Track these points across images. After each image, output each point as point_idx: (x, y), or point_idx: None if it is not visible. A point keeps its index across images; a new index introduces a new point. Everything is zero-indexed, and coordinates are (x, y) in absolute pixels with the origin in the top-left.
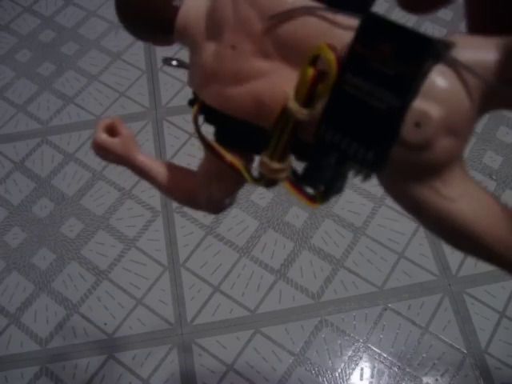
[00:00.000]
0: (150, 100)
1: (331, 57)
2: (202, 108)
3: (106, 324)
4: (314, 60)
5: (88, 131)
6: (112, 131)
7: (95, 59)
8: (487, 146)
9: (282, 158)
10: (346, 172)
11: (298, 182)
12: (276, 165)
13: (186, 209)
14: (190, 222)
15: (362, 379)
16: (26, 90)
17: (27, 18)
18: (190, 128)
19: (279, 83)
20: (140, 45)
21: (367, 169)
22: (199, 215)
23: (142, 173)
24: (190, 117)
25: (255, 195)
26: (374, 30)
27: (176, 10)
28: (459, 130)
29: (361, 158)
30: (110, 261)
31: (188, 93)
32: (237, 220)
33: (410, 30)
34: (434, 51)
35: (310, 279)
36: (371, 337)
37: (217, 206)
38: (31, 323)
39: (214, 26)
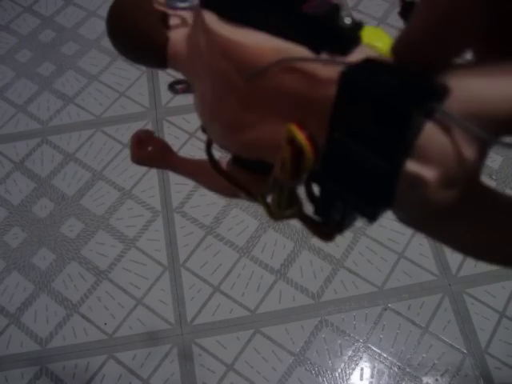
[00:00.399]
0: (150, 100)
1: (303, 140)
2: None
3: (105, 324)
4: (290, 140)
5: (88, 131)
6: (144, 143)
7: (95, 59)
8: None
9: (288, 207)
10: (349, 215)
11: (310, 217)
12: (286, 212)
13: (185, 209)
14: (190, 222)
15: (361, 379)
16: (25, 90)
17: (27, 18)
18: (190, 128)
19: (268, 135)
20: None
21: (367, 219)
22: (199, 215)
23: (182, 174)
24: (190, 117)
25: None
26: (354, 86)
27: (164, 43)
28: (460, 181)
29: (361, 210)
30: (110, 261)
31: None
32: (237, 220)
33: (395, 84)
34: (423, 107)
35: (309, 279)
36: (371, 337)
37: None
38: (31, 323)
39: (200, 70)
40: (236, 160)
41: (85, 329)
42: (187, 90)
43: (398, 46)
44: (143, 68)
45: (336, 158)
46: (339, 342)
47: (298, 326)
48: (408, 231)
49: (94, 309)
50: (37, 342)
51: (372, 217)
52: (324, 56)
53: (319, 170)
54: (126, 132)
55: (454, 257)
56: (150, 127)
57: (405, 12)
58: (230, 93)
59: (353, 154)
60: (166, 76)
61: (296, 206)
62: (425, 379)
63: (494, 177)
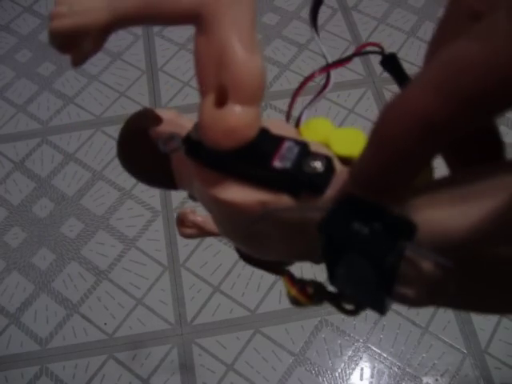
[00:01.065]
0: (150, 100)
1: (296, 295)
2: None
3: (106, 324)
4: (291, 281)
5: (88, 131)
6: (184, 223)
7: (95, 59)
8: None
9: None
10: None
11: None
12: (299, 296)
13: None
14: None
15: (361, 379)
16: (25, 90)
17: (27, 18)
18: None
19: (277, 254)
20: (140, 45)
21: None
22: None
23: None
24: (190, 117)
25: None
26: (332, 240)
27: (170, 170)
28: (437, 291)
29: (365, 305)
30: (110, 261)
31: (188, 93)
32: None
33: (365, 234)
34: (396, 250)
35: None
36: (371, 337)
37: None
38: (31, 323)
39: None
40: None
41: (85, 329)
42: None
43: (356, 182)
44: (143, 68)
45: (338, 273)
46: (339, 341)
47: (297, 325)
48: None
49: (93, 309)
50: (37, 342)
51: (381, 312)
52: (303, 202)
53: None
54: None
55: None
56: None
57: (385, 63)
58: (231, 231)
59: (351, 274)
60: (166, 76)
61: (321, 295)
62: (425, 379)
63: None
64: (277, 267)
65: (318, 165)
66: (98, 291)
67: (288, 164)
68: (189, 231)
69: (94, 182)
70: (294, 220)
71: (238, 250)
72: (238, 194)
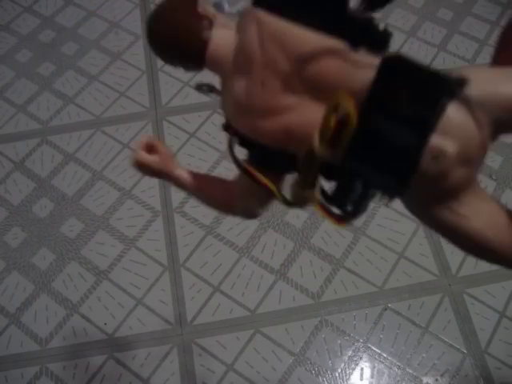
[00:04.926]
0: (150, 100)
1: (351, 106)
2: (236, 134)
3: (105, 324)
4: (336, 107)
5: (88, 131)
6: (151, 150)
7: (95, 59)
8: None
9: (311, 187)
10: (372, 194)
11: (327, 202)
12: (307, 193)
13: (186, 209)
14: (190, 222)
15: (361, 379)
16: (26, 90)
17: (27, 18)
18: (190, 128)
19: (306, 116)
20: (140, 45)
21: (389, 195)
22: (199, 215)
23: (180, 186)
24: (189, 117)
25: None
26: (392, 71)
27: (205, 44)
28: (472, 160)
29: (384, 186)
30: (110, 261)
31: (188, 93)
32: (237, 220)
33: (427, 71)
34: (449, 90)
35: (310, 279)
36: (371, 337)
37: (252, 214)
38: (31, 323)
39: (243, 62)
40: (252, 159)
41: (85, 329)
42: (212, 89)
43: None
44: (143, 68)
45: (366, 137)
46: (339, 342)
47: (297, 325)
48: (408, 231)
49: (93, 309)
50: (37, 342)
51: (394, 191)
52: (359, 55)
53: (347, 150)
54: (126, 132)
55: (454, 257)
56: (149, 127)
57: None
58: (276, 78)
59: (384, 130)
60: (166, 76)
61: (317, 188)
62: (425, 379)
63: (493, 177)
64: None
65: (381, 28)
66: (98, 291)
67: (361, 16)
68: (150, 160)
69: (93, 182)
70: (342, 73)
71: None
72: (301, 29)
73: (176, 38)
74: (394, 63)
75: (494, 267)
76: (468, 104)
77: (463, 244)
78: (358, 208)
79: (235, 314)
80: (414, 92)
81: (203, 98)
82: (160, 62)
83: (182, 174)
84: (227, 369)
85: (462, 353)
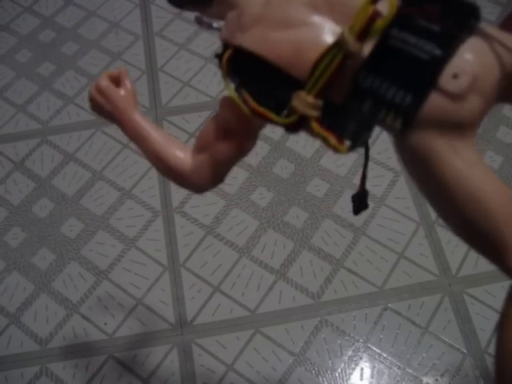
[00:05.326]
0: (150, 100)
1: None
2: (233, 58)
3: (105, 324)
4: (374, 1)
5: (88, 131)
6: (116, 83)
7: (95, 59)
8: (487, 146)
9: (319, 95)
10: (373, 123)
11: (326, 124)
12: (311, 99)
13: (186, 209)
14: (190, 222)
15: (361, 379)
16: (26, 90)
17: (27, 18)
18: (190, 128)
19: (321, 35)
20: (140, 45)
21: (402, 113)
22: (199, 215)
23: (135, 133)
24: (189, 117)
25: (255, 195)
26: None
27: None
28: (487, 94)
29: (398, 102)
30: (109, 261)
31: (188, 93)
32: (237, 220)
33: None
34: (476, 17)
35: (309, 279)
36: (371, 337)
37: (221, 170)
38: (31, 323)
39: None
40: (242, 87)
41: (85, 329)
42: (211, 26)
43: None
44: (143, 68)
45: (385, 52)
46: (339, 342)
47: (298, 325)
48: (408, 231)
49: (93, 309)
50: (37, 342)
51: (409, 108)
52: None
53: (364, 65)
54: None
55: (454, 257)
56: None
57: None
58: None
59: (406, 45)
60: (166, 76)
61: (320, 102)
62: (425, 379)
63: None
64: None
65: None
66: (98, 291)
67: None
68: (111, 87)
69: (94, 182)
70: None
71: None
72: None
73: None
74: None
75: (493, 267)
76: (490, 39)
77: (455, 198)
78: (358, 137)
79: (235, 313)
80: (443, 11)
81: (203, 98)
82: (160, 62)
83: (142, 119)
84: (227, 369)
85: (462, 353)
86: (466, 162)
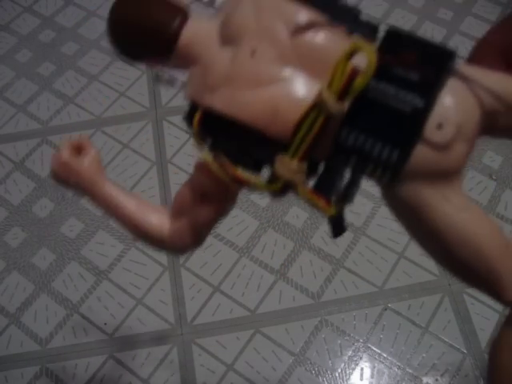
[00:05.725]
0: (150, 100)
1: (371, 51)
2: (204, 118)
3: (105, 324)
4: (352, 54)
5: (88, 131)
6: (78, 151)
7: (95, 59)
8: (487, 146)
9: (302, 159)
10: (359, 179)
11: (312, 187)
12: (296, 164)
13: None
14: None
15: (361, 379)
16: (26, 90)
17: (27, 18)
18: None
19: (296, 90)
20: None
21: (389, 169)
22: None
23: (106, 202)
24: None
25: (255, 195)
26: (397, 40)
27: (180, 27)
28: (470, 138)
29: (385, 158)
30: (109, 261)
31: None
32: (237, 220)
33: (431, 41)
34: (453, 61)
35: (310, 279)
36: (371, 337)
37: (201, 233)
38: (31, 323)
39: (231, 35)
40: (216, 149)
41: (85, 329)
42: (172, 82)
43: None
44: (143, 68)
45: (366, 106)
46: (339, 342)
47: (298, 325)
48: None
49: (93, 309)
50: (37, 342)
51: (396, 163)
52: (355, 39)
53: (344, 121)
54: (126, 132)
55: None
56: (149, 127)
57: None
58: (269, 47)
59: (386, 97)
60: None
61: (305, 165)
62: (425, 379)
63: (493, 177)
64: None
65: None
66: (98, 291)
67: (350, 5)
68: (73, 159)
69: None
70: (338, 46)
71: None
72: (308, 8)
73: (146, 22)
74: (395, 34)
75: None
76: (468, 81)
77: (448, 244)
78: (346, 195)
79: (235, 313)
80: (421, 58)
81: None
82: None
83: (111, 186)
84: (227, 369)
85: (462, 353)
86: (456, 208)
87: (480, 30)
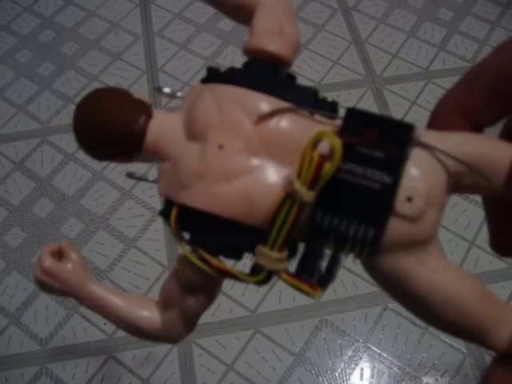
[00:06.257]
0: (150, 100)
1: (335, 140)
2: (180, 214)
3: (105, 324)
4: (316, 143)
5: None
6: (60, 256)
7: (95, 59)
8: None
9: (282, 247)
10: (340, 257)
11: (295, 272)
12: (277, 254)
13: None
14: None
15: (362, 379)
16: (26, 90)
17: (27, 18)
18: None
19: (268, 179)
20: (140, 45)
21: (367, 246)
22: None
23: (94, 304)
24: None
25: None
26: (357, 120)
27: (145, 125)
28: (439, 204)
29: (361, 237)
30: (110, 261)
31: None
32: None
33: (390, 118)
34: (413, 133)
35: None
36: (371, 337)
37: (192, 322)
38: (31, 323)
39: (196, 129)
40: (196, 243)
41: (85, 329)
42: (143, 178)
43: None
44: (143, 68)
45: (336, 187)
46: (339, 342)
47: (297, 325)
48: None
49: None
50: (37, 342)
51: (372, 240)
52: (314, 120)
53: (315, 206)
54: None
55: (454, 257)
56: None
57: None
58: (235, 140)
59: (355, 177)
60: (166, 76)
61: (285, 253)
62: (425, 379)
63: None
64: None
65: (329, 99)
66: None
67: (308, 88)
68: (56, 265)
69: (93, 182)
70: (303, 132)
71: None
72: (269, 97)
73: (110, 125)
74: (357, 114)
75: (493, 267)
76: (430, 149)
77: (432, 307)
78: (329, 274)
79: (235, 313)
80: (382, 135)
81: None
82: (160, 62)
83: (98, 288)
84: (227, 369)
85: (462, 353)
86: (434, 271)
87: (480, 29)
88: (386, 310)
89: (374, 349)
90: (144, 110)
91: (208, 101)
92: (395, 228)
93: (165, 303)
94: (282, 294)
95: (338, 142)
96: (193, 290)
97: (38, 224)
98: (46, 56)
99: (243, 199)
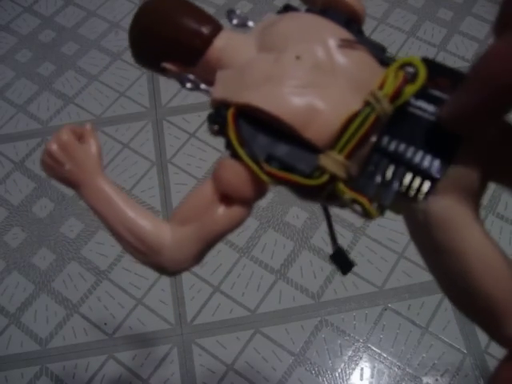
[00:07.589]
0: (150, 100)
1: (422, 65)
2: (235, 117)
3: (106, 324)
4: (402, 66)
5: None
6: (79, 140)
7: (95, 59)
8: None
9: (349, 156)
10: (396, 188)
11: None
12: (343, 158)
13: None
14: None
15: (361, 379)
16: (26, 90)
17: (27, 18)
18: (190, 128)
19: (335, 97)
20: None
21: (429, 178)
22: None
23: (100, 197)
24: (189, 117)
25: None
26: (432, 68)
27: (214, 33)
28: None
29: (426, 166)
30: (110, 261)
31: (188, 93)
32: None
33: (462, 72)
34: None
35: (309, 279)
36: (371, 337)
37: (206, 244)
38: (31, 323)
39: (273, 42)
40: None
41: (85, 329)
42: (199, 83)
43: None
44: (143, 68)
45: (406, 119)
46: (339, 342)
47: (298, 325)
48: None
49: (93, 309)
50: (37, 342)
51: (437, 171)
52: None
53: (383, 131)
54: (126, 132)
55: None
56: (149, 127)
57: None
58: (311, 55)
59: (425, 113)
60: None
61: (352, 159)
62: (425, 379)
63: None
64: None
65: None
66: (98, 291)
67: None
68: (74, 142)
69: None
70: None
71: None
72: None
73: (186, 22)
74: (431, 62)
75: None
76: None
77: (468, 266)
78: (387, 196)
79: (235, 313)
80: (451, 83)
81: (203, 98)
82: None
83: (109, 182)
84: (227, 369)
85: (462, 353)
86: (483, 232)
87: (480, 29)
88: (385, 309)
89: (374, 349)
90: (216, 23)
91: (290, 19)
92: (459, 167)
93: (183, 218)
94: (282, 294)
95: (423, 68)
96: (225, 203)
97: (38, 224)
98: (46, 56)
99: (308, 109)
